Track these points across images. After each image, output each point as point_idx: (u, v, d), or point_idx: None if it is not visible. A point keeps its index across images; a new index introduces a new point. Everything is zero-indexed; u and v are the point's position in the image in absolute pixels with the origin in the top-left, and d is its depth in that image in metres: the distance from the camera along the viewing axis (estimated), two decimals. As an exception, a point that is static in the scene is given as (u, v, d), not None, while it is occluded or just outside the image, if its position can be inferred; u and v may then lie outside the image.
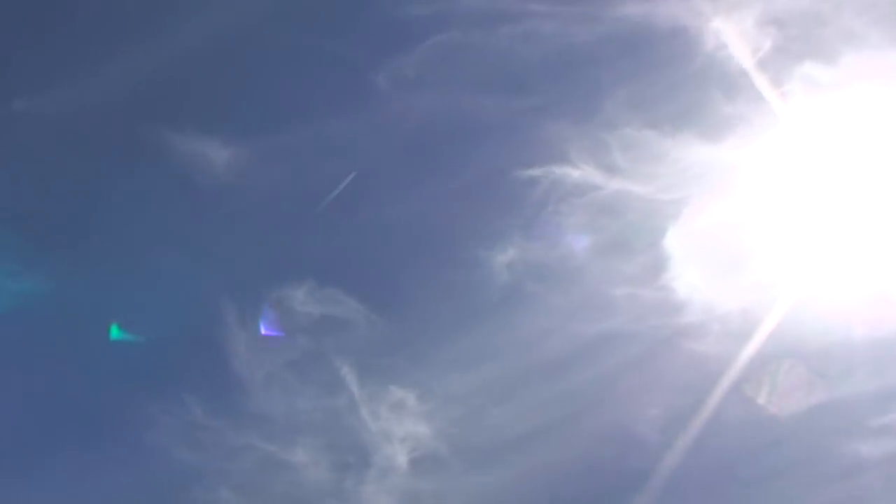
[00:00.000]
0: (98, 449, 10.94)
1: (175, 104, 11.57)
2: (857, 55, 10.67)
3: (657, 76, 11.02)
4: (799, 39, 10.83)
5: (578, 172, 10.92)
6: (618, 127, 10.92)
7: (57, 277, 11.10)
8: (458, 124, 11.43)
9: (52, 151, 11.34)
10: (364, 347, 10.87)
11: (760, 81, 10.68)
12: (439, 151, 11.53)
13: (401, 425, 10.79)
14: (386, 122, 11.50)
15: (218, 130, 11.35)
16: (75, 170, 11.30)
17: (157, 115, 11.43)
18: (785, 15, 10.89)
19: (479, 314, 10.94)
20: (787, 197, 10.70)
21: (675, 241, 10.69)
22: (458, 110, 11.40)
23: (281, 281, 11.00)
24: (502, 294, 10.93)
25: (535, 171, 11.02)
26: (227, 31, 11.46)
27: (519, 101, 11.33)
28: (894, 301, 10.55)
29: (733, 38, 10.82)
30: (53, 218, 11.39)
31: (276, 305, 10.91)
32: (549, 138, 11.10)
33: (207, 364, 11.00)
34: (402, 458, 10.78)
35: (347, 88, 11.61)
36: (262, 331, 10.91)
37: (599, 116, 11.01)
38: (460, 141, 11.46)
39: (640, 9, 11.03)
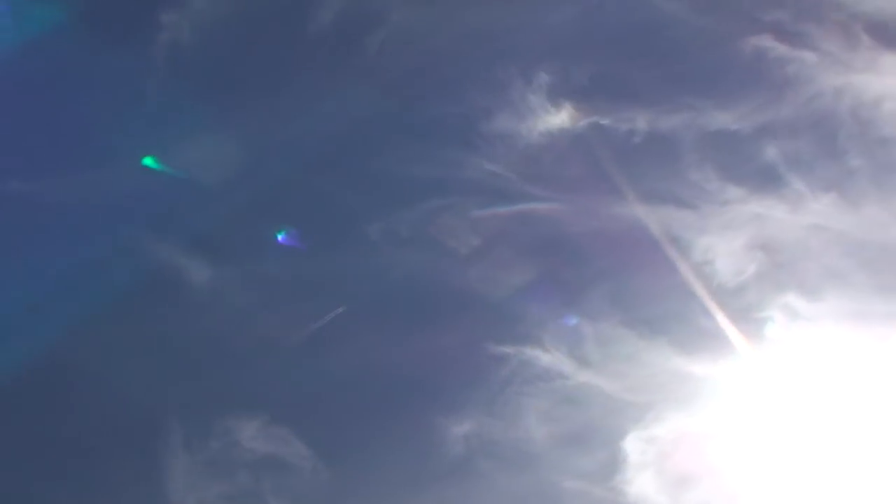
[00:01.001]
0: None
1: (168, 217, 11.68)
2: (840, 295, 10.85)
3: (641, 278, 11.19)
4: (784, 268, 11.05)
5: (549, 357, 10.94)
6: (595, 320, 11.05)
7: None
8: (440, 288, 11.54)
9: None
10: (303, 495, 10.59)
11: (740, 303, 10.84)
12: (417, 311, 11.57)
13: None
14: (370, 273, 11.61)
15: (204, 249, 11.48)
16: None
17: (143, 223, 11.61)
18: (774, 242, 11.16)
19: (426, 482, 10.68)
20: (750, 419, 10.64)
21: (633, 444, 10.57)
22: (443, 275, 11.54)
23: (234, 411, 10.81)
24: (453, 466, 10.73)
25: (507, 349, 11.04)
26: (240, 159, 11.76)
27: (503, 278, 11.46)
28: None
29: (721, 255, 11.04)
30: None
31: (223, 436, 10.70)
32: (526, 319, 11.20)
33: (141, 481, 10.68)
34: None
35: (340, 233, 11.78)
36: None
37: (579, 307, 11.17)
38: (439, 305, 11.54)
39: (637, 211, 11.32)
